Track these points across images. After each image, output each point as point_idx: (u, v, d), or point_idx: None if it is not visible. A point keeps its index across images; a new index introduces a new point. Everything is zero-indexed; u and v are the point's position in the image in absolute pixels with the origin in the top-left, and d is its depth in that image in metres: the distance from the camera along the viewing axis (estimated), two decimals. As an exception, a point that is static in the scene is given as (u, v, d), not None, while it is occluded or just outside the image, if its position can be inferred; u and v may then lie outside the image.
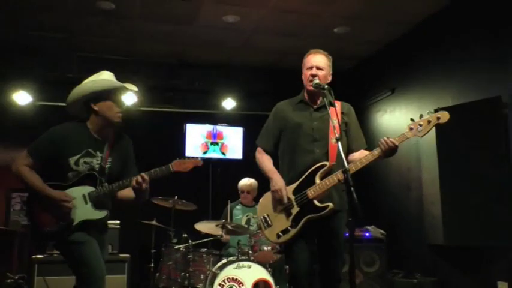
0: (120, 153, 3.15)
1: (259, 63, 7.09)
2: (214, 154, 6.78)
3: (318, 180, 2.95)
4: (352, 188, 2.43)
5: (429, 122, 2.79)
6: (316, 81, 3.02)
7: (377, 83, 6.61)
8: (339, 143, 2.66)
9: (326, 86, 2.92)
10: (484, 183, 4.39)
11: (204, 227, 5.06)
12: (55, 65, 6.39)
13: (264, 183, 5.52)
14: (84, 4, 5.24)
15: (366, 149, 3.17)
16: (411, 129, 2.82)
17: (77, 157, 2.97)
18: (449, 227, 4.61)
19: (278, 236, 3.01)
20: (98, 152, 3.04)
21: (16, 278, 4.89)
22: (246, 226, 5.51)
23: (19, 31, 5.86)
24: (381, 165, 5.79)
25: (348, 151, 3.15)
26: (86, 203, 2.94)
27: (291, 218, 2.98)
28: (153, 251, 5.31)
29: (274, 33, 6.10)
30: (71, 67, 6.41)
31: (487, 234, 4.31)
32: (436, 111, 4.63)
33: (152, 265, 5.26)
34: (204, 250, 4.97)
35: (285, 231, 2.99)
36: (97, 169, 3.01)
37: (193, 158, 3.11)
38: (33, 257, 4.52)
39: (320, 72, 3.08)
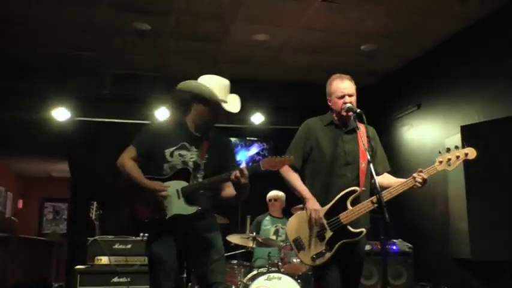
0: (218, 152, 3.16)
1: (287, 79, 7.25)
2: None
3: (349, 206, 3.03)
4: (384, 208, 2.56)
5: (458, 157, 2.98)
6: (349, 105, 3.13)
7: (403, 98, 6.67)
8: (371, 165, 2.80)
9: (358, 110, 3.05)
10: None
11: (235, 239, 5.22)
12: (91, 82, 6.67)
13: (291, 196, 5.68)
14: (120, 25, 5.49)
15: (388, 172, 3.31)
16: (440, 162, 2.99)
17: (172, 149, 3.04)
18: (476, 242, 4.62)
19: (313, 259, 3.04)
20: (193, 147, 3.08)
21: (56, 286, 5.09)
22: (275, 237, 5.67)
23: (57, 49, 6.14)
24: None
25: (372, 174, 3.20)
26: (179, 197, 2.96)
27: (324, 241, 3.03)
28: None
29: (301, 50, 6.26)
30: (106, 84, 6.68)
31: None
32: (462, 128, 4.79)
33: (185, 275, 5.41)
34: (234, 261, 5.12)
35: (319, 255, 3.03)
36: (191, 164, 3.04)
37: (283, 156, 2.96)
38: (76, 267, 4.68)
39: (352, 99, 3.19)
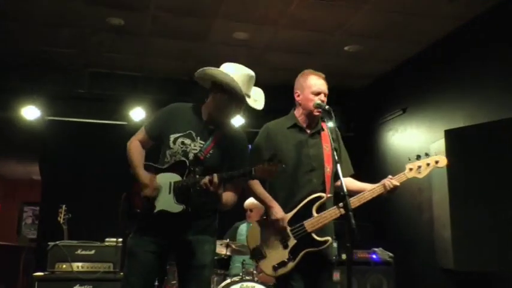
0: (227, 149, 2.86)
1: (272, 81, 7.04)
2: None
3: (315, 213, 2.85)
4: (350, 213, 2.36)
5: (428, 164, 2.91)
6: (318, 101, 2.96)
7: (388, 102, 6.55)
8: (338, 166, 2.61)
9: (327, 107, 2.87)
10: (496, 206, 4.28)
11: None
12: (66, 80, 6.43)
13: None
14: (96, 20, 5.29)
15: (352, 176, 3.15)
16: (411, 169, 2.91)
17: (177, 135, 2.82)
18: (459, 252, 4.47)
19: (275, 269, 2.84)
20: (199, 138, 2.82)
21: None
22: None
23: (29, 46, 5.93)
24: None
25: (336, 177, 2.95)
26: (169, 192, 2.71)
27: (287, 250, 2.84)
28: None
29: (285, 51, 6.08)
30: (81, 82, 6.46)
31: (499, 259, 4.20)
32: (446, 132, 4.64)
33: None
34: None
35: (282, 264, 2.83)
36: (191, 156, 2.77)
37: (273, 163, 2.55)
38: (34, 274, 4.46)
39: (325, 99, 3.03)
